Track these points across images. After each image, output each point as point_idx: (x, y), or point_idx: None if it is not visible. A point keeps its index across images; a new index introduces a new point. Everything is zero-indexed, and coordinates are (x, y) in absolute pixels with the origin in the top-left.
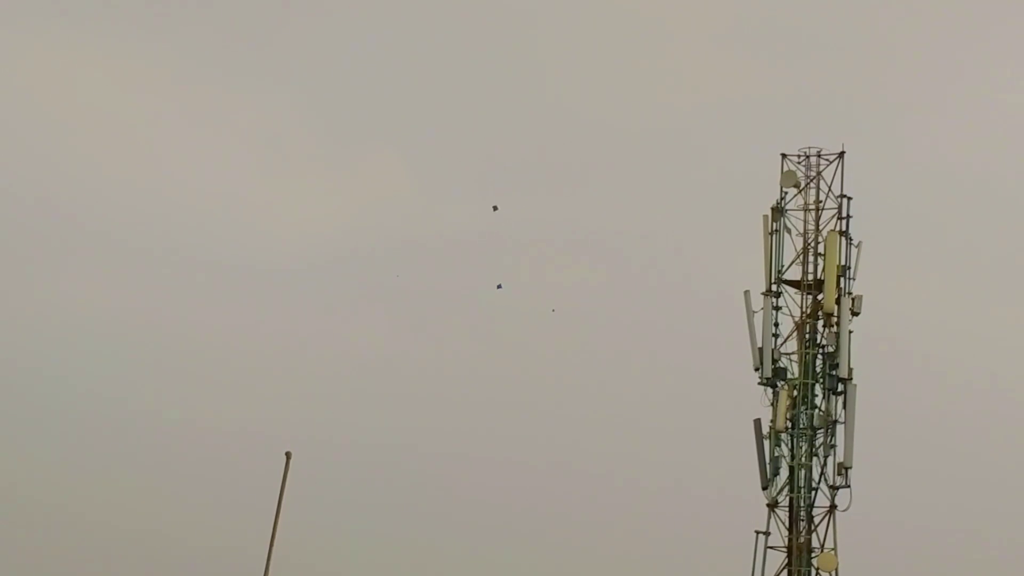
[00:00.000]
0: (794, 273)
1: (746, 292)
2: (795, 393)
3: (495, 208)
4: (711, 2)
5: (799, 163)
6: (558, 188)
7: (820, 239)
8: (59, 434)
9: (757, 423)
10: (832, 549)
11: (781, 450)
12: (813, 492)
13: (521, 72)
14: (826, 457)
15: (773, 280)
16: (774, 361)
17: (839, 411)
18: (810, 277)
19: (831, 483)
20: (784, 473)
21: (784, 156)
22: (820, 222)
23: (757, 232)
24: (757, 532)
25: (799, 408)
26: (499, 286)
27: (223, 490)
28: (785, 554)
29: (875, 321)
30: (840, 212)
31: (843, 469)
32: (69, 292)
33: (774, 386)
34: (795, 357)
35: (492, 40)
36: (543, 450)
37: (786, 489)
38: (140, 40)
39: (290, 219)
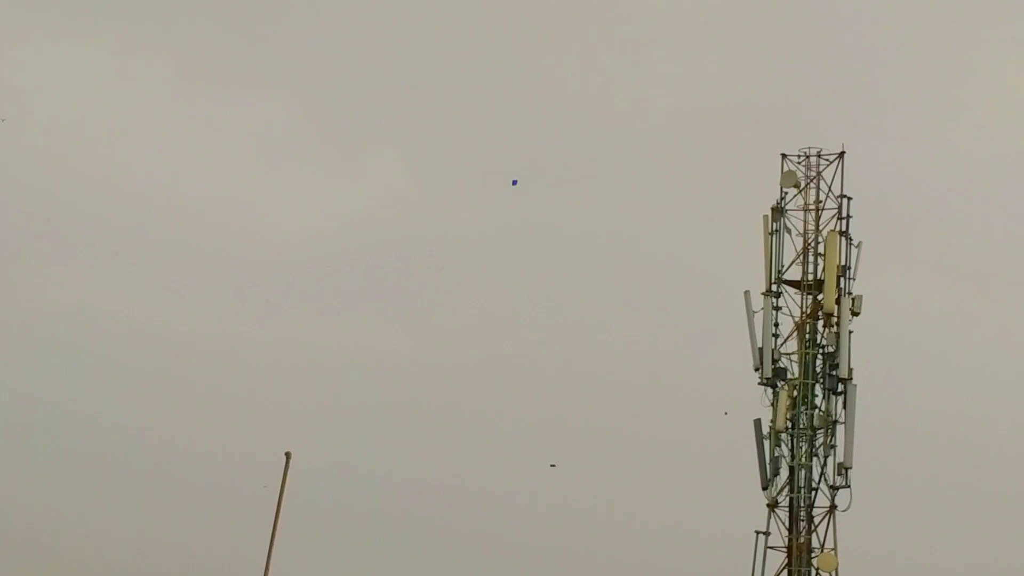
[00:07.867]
0: (794, 273)
1: (746, 292)
2: (795, 393)
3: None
4: (711, 2)
5: (799, 163)
6: (558, 188)
7: (820, 239)
8: (58, 434)
9: (757, 423)
10: (832, 549)
11: (781, 450)
12: (813, 492)
13: (522, 72)
14: (826, 457)
15: (773, 280)
16: (774, 361)
17: (839, 411)
18: (810, 277)
19: (831, 483)
20: (784, 473)
21: (784, 156)
22: (820, 222)
23: (757, 232)
24: (757, 532)
25: (799, 408)
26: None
27: (221, 490)
28: (785, 554)
29: (875, 321)
30: (840, 212)
31: (843, 469)
32: (69, 294)
33: (774, 386)
34: (795, 357)
35: (493, 39)
36: (542, 449)
37: (786, 489)
38: (139, 39)
39: (291, 219)
